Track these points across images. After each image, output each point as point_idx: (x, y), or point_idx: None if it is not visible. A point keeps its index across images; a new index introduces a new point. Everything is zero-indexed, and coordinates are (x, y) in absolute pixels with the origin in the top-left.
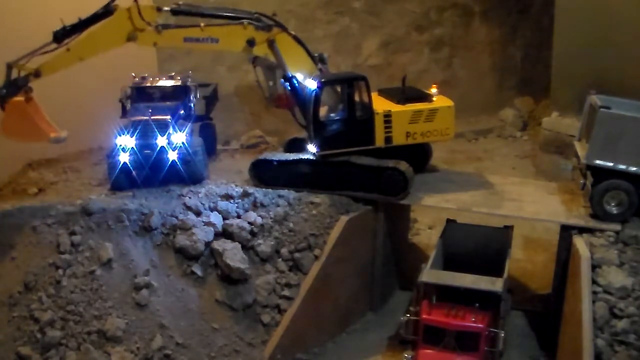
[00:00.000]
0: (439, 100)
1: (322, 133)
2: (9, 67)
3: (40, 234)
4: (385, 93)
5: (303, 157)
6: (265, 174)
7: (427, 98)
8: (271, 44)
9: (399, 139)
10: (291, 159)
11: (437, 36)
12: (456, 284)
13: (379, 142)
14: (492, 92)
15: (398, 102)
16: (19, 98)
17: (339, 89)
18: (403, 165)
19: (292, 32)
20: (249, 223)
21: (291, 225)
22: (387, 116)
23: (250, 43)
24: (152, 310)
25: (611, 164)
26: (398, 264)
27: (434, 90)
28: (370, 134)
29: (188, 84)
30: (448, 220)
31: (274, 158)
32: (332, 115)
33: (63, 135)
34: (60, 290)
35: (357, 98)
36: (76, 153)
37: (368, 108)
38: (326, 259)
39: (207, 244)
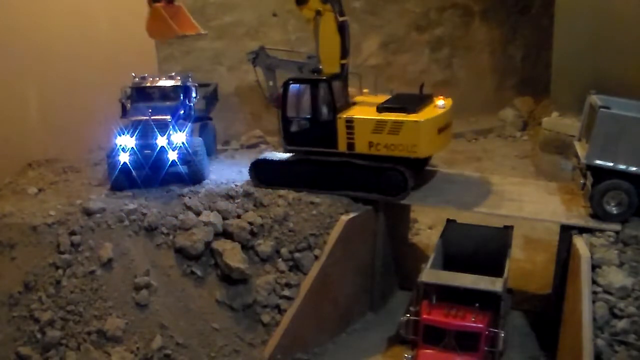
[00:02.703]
0: (412, 114)
1: (288, 129)
2: None
3: (40, 234)
4: (394, 97)
5: (303, 158)
6: (265, 174)
7: (408, 109)
8: (317, 14)
9: (361, 147)
10: (291, 159)
11: (437, 36)
12: (456, 284)
13: (342, 147)
14: (492, 92)
15: (377, 110)
16: (159, 4)
17: (305, 89)
18: (403, 166)
19: (341, 20)
20: (249, 223)
21: (291, 225)
22: (349, 122)
23: (301, 0)
24: (152, 310)
25: (611, 164)
26: (398, 264)
27: (440, 102)
28: (333, 137)
29: (188, 84)
30: (448, 220)
31: (274, 158)
32: (299, 113)
33: (189, 32)
34: (60, 290)
35: (321, 100)
36: (76, 153)
37: (332, 111)
38: (326, 259)
39: (207, 244)
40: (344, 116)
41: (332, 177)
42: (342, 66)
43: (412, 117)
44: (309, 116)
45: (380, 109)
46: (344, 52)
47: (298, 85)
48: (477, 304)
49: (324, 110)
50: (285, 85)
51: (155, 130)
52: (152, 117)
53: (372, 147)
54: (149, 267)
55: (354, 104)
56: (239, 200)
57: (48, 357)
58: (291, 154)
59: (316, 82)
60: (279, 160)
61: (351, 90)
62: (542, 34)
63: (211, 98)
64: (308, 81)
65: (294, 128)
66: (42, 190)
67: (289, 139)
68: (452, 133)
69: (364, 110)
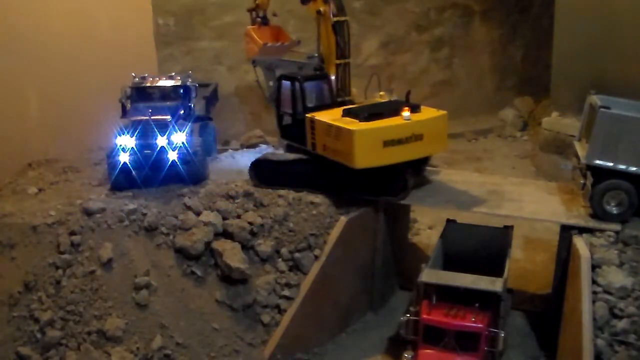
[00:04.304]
0: (360, 123)
1: (281, 121)
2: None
3: (40, 234)
4: (374, 104)
5: (303, 158)
6: (265, 174)
7: (360, 117)
8: (318, 13)
9: (319, 148)
10: (291, 159)
11: (437, 36)
12: (456, 284)
13: (309, 145)
14: (492, 92)
15: (342, 113)
16: (252, 27)
17: (288, 85)
18: (403, 165)
19: (334, 20)
20: (249, 223)
21: (291, 225)
22: (312, 122)
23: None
24: (152, 310)
25: (611, 164)
26: (398, 264)
27: (405, 113)
28: (304, 135)
29: (188, 84)
30: (448, 220)
31: (274, 158)
32: (285, 108)
33: (278, 42)
34: (60, 290)
35: (296, 98)
36: (76, 153)
37: (303, 110)
38: (326, 259)
39: (207, 244)
40: (309, 116)
41: (332, 177)
42: (337, 66)
43: (349, 126)
44: (290, 112)
45: (344, 113)
46: (339, 52)
47: (284, 81)
48: (477, 304)
49: (298, 107)
50: (279, 80)
51: (155, 130)
52: (152, 117)
53: (325, 150)
54: (149, 267)
55: (349, 104)
56: (239, 200)
57: (48, 357)
58: (291, 154)
59: (293, 80)
60: (279, 160)
61: (354, 90)
62: (542, 34)
63: (211, 98)
64: (288, 78)
65: (283, 121)
66: (42, 190)
67: (281, 131)
68: (437, 145)
69: (333, 112)
